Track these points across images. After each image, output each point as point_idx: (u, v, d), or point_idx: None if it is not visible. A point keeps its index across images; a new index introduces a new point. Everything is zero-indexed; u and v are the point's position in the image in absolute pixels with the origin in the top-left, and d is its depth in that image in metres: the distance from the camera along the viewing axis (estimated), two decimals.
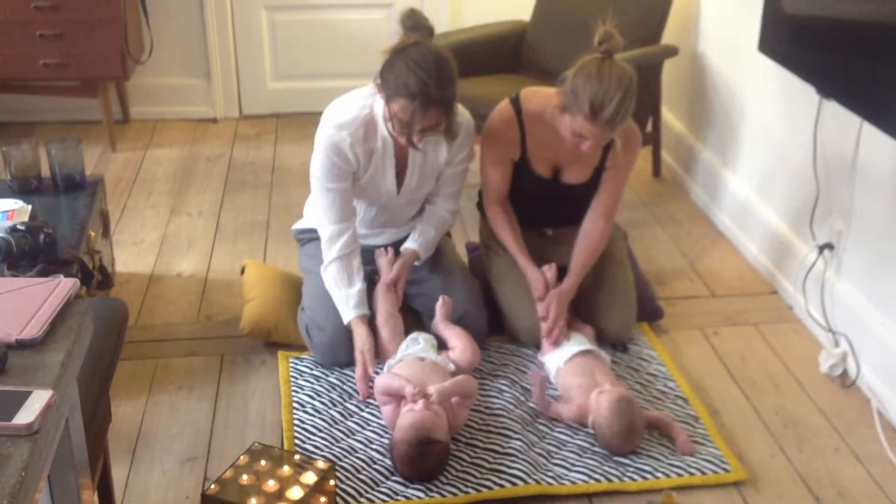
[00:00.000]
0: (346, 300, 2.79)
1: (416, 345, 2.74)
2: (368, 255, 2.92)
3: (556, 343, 2.82)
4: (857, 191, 2.89)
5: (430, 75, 2.54)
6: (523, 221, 3.01)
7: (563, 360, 2.75)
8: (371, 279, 2.90)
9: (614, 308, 2.97)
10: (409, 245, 2.92)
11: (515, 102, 2.85)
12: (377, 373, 2.74)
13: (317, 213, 2.85)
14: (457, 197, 2.97)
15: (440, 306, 2.88)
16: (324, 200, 2.79)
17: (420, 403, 2.44)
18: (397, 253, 2.93)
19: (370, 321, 2.82)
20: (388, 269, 2.88)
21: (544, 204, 3.01)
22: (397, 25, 2.66)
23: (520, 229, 2.98)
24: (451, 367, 2.70)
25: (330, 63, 4.86)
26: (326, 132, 2.74)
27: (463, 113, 2.81)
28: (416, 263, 2.94)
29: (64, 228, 2.83)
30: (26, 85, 4.48)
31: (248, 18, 4.78)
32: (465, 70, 3.94)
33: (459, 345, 2.79)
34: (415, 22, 2.63)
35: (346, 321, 2.79)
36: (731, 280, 3.45)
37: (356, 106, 2.74)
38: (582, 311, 2.97)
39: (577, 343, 2.79)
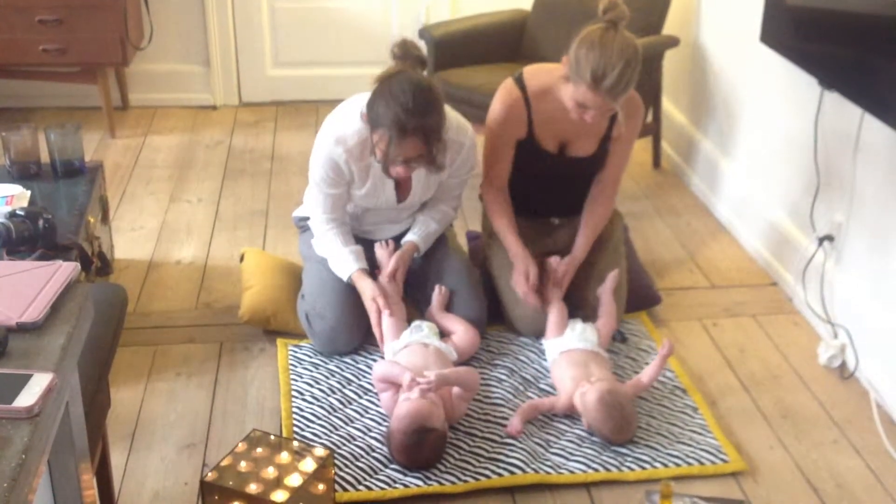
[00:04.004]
0: (346, 257, 2.83)
1: (420, 332, 2.74)
2: (368, 249, 2.92)
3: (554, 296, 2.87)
4: (857, 183, 2.88)
5: (406, 106, 2.53)
6: (531, 210, 3.00)
7: (559, 351, 2.75)
8: (372, 273, 2.89)
9: None
10: (410, 237, 2.93)
11: (519, 80, 2.86)
12: (380, 356, 2.75)
13: (310, 201, 2.90)
14: (459, 198, 3.00)
15: (436, 296, 2.88)
16: (317, 196, 2.84)
17: (416, 392, 2.44)
18: (398, 247, 2.93)
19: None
20: (388, 262, 2.88)
21: (551, 184, 3.00)
22: (388, 55, 2.66)
23: (527, 220, 2.98)
24: (454, 355, 2.71)
25: (330, 51, 4.85)
26: (325, 143, 2.75)
27: (466, 130, 2.81)
28: (416, 255, 2.94)
29: (63, 214, 2.82)
30: (26, 70, 4.47)
31: (249, 5, 4.76)
32: (464, 59, 3.99)
33: (460, 328, 2.81)
34: (404, 51, 2.64)
35: (346, 276, 2.82)
36: (731, 271, 3.45)
37: (357, 117, 2.73)
38: (573, 297, 2.97)
39: (581, 339, 2.77)
